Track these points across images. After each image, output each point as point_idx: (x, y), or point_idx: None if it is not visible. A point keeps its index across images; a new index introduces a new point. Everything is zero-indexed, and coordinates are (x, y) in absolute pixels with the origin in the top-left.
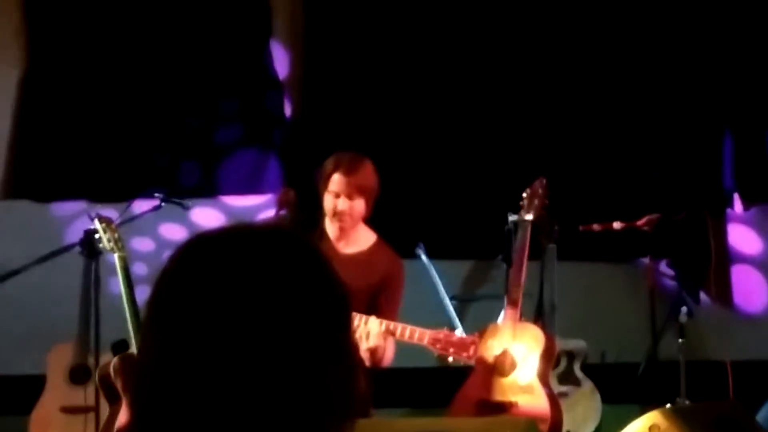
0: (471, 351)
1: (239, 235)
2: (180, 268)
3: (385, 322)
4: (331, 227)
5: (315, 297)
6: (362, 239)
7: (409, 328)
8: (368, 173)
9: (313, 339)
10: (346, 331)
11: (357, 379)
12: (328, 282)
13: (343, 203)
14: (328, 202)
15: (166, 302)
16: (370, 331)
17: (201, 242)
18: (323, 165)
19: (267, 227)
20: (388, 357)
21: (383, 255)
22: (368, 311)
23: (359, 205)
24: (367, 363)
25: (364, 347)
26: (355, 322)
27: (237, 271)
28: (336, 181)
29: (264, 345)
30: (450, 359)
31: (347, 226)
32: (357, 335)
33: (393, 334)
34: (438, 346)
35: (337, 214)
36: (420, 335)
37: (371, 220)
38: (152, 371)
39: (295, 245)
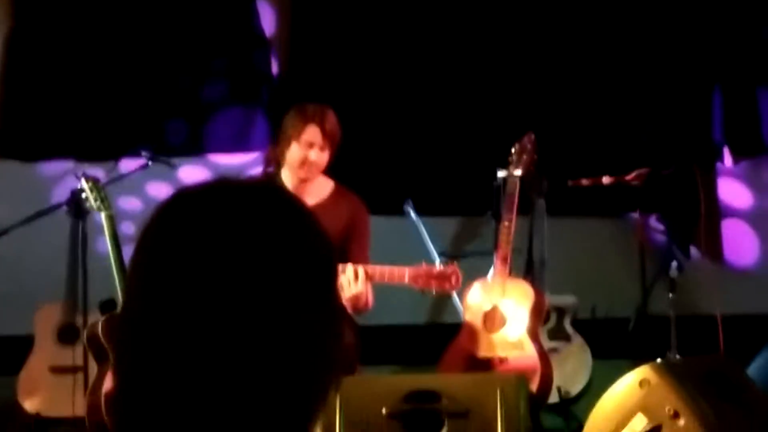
0: (453, 280)
1: (222, 190)
2: (162, 224)
3: (362, 267)
4: (290, 178)
5: (300, 252)
6: (321, 188)
7: (387, 269)
8: (336, 123)
9: (298, 294)
10: (331, 287)
11: (342, 335)
12: (314, 237)
13: (315, 154)
14: (297, 152)
15: (149, 260)
16: (349, 279)
17: (183, 198)
18: (288, 116)
19: (250, 182)
20: (369, 301)
21: (344, 200)
22: (339, 259)
23: (326, 156)
24: (350, 310)
25: (346, 296)
26: None
27: (220, 227)
28: (310, 131)
29: (248, 300)
30: (433, 292)
31: (313, 176)
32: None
33: (372, 278)
34: (419, 281)
35: (306, 165)
36: (399, 273)
37: (360, 178)
38: (136, 331)
39: (278, 200)
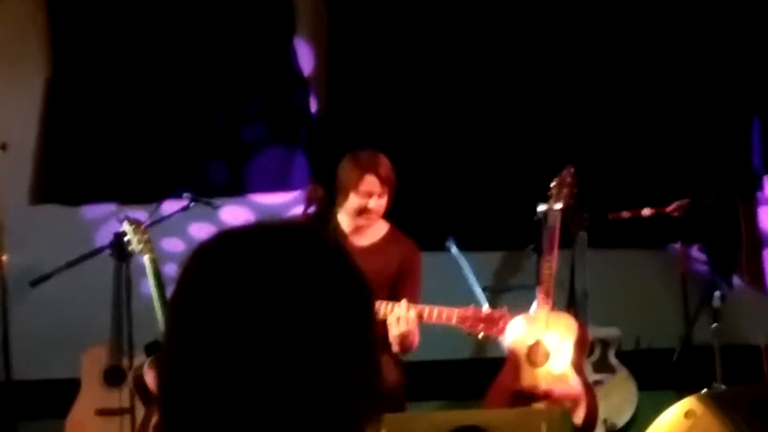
0: (500, 324)
1: (262, 232)
2: (203, 264)
3: (413, 306)
4: (348, 222)
5: (337, 292)
6: (376, 230)
7: (437, 309)
8: (391, 168)
9: (336, 335)
10: (369, 327)
11: (381, 374)
12: (350, 278)
13: (375, 202)
14: (355, 202)
15: (189, 297)
16: (399, 316)
17: (224, 239)
18: (343, 165)
19: (290, 224)
20: (415, 343)
21: (398, 242)
22: (391, 299)
23: (385, 202)
24: (396, 348)
25: (394, 333)
26: (382, 309)
27: (260, 268)
28: (368, 181)
29: (287, 341)
30: (480, 336)
31: (373, 223)
32: (387, 321)
33: (421, 316)
34: (467, 323)
35: (365, 213)
36: (448, 314)
37: (402, 216)
38: (176, 369)
39: (316, 242)
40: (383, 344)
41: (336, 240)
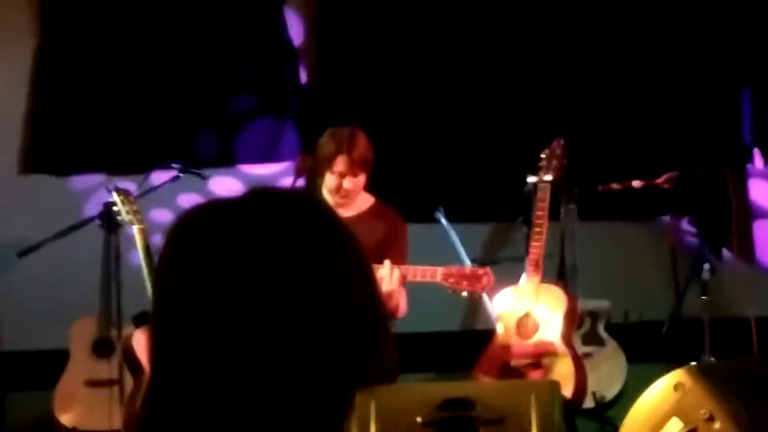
0: (484, 281)
1: (255, 198)
2: (192, 229)
3: (396, 267)
4: (331, 200)
5: (335, 258)
6: (360, 202)
7: (420, 269)
8: (367, 147)
9: (329, 298)
10: (366, 292)
11: (383, 338)
12: (347, 243)
13: (348, 182)
14: (331, 181)
15: (177, 261)
16: (383, 277)
17: (216, 206)
18: (320, 143)
19: (284, 191)
20: (402, 307)
21: (383, 214)
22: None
23: (361, 180)
24: None
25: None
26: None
27: (252, 236)
28: (340, 161)
29: (275, 303)
30: (464, 293)
31: (350, 201)
32: None
33: (405, 276)
34: (451, 280)
35: (341, 192)
36: (432, 272)
37: (391, 187)
38: (166, 338)
39: (312, 210)
40: None
41: (330, 208)
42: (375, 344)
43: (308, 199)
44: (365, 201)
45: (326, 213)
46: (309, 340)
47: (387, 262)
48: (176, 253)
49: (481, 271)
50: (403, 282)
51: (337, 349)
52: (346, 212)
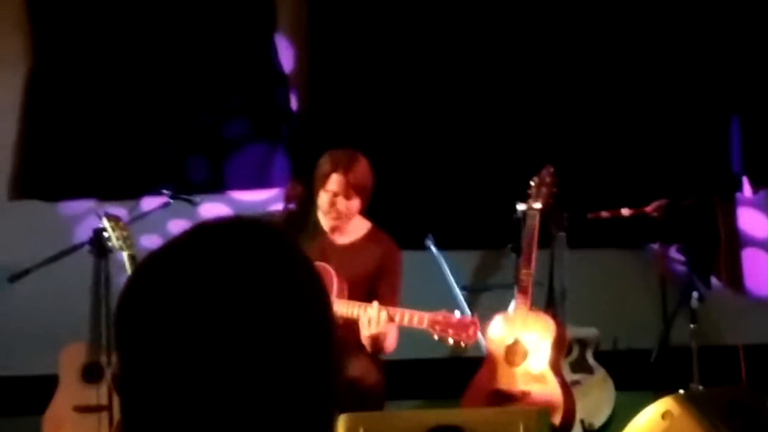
0: (470, 331)
1: (196, 235)
2: (145, 279)
3: (384, 308)
4: (324, 222)
5: (288, 289)
6: (357, 229)
7: (407, 313)
8: (365, 172)
9: (290, 338)
10: (323, 322)
11: (337, 377)
12: (302, 273)
13: (341, 203)
14: (324, 199)
15: (133, 313)
16: (370, 318)
17: (171, 248)
18: (319, 162)
19: (237, 221)
20: (390, 344)
21: (378, 242)
22: (368, 299)
23: (355, 204)
24: (369, 349)
25: (365, 334)
26: (356, 311)
27: (195, 272)
28: (334, 180)
29: (237, 344)
30: (450, 341)
31: (342, 224)
32: (359, 323)
33: (392, 319)
34: (437, 328)
35: (333, 212)
36: (419, 319)
37: (381, 214)
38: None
39: (265, 238)
40: (360, 344)
41: (288, 234)
42: (329, 369)
43: (253, 224)
44: (361, 228)
45: (273, 237)
46: (263, 370)
47: (375, 304)
48: (130, 300)
49: (468, 321)
50: (391, 322)
51: (292, 373)
52: (341, 238)
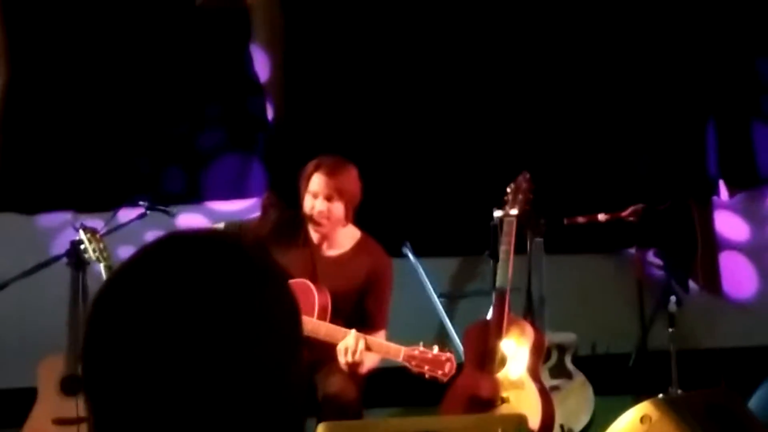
0: (446, 368)
1: (165, 246)
2: (108, 294)
3: (362, 337)
4: (312, 233)
5: (258, 304)
6: (346, 239)
7: (384, 345)
8: (350, 177)
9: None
10: (290, 342)
11: (301, 394)
12: (272, 289)
13: (321, 204)
14: (308, 202)
15: (100, 328)
16: (347, 346)
17: (129, 263)
18: (305, 166)
19: (194, 235)
20: (370, 366)
21: (367, 254)
22: (356, 313)
23: (338, 208)
24: (346, 371)
25: (341, 361)
26: (340, 336)
27: (163, 282)
28: (316, 181)
29: (200, 354)
30: (426, 376)
31: (325, 230)
32: (336, 350)
33: (369, 349)
34: (413, 363)
35: (314, 216)
36: (395, 352)
37: (358, 221)
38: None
39: (237, 255)
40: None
41: (261, 248)
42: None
43: (220, 239)
44: (350, 238)
45: (240, 251)
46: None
47: (353, 332)
48: (97, 313)
49: (444, 357)
50: (367, 351)
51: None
52: (330, 250)
